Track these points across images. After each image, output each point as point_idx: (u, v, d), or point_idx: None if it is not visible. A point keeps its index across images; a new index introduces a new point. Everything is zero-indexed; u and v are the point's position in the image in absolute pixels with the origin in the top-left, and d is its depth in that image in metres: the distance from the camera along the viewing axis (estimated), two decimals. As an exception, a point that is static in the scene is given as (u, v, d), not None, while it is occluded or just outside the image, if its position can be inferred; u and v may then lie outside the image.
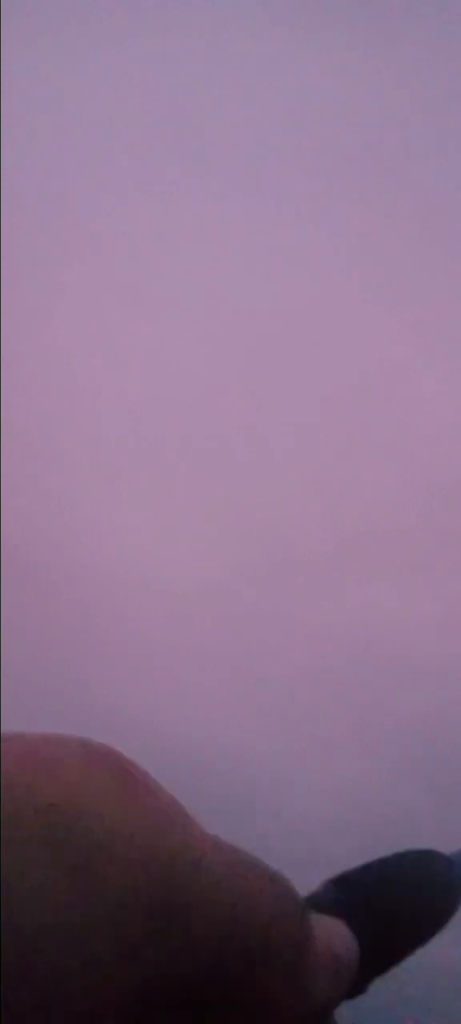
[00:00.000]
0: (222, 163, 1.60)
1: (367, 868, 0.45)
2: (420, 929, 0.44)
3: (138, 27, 1.67)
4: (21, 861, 0.31)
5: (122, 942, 0.32)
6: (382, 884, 0.42)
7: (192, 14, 1.60)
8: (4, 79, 1.57)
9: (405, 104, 1.61)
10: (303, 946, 0.36)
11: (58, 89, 1.62)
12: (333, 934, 0.39)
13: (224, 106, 1.61)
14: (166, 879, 0.33)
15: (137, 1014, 0.33)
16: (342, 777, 1.26)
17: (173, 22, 1.64)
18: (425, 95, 1.62)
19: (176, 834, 0.35)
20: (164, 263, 1.49)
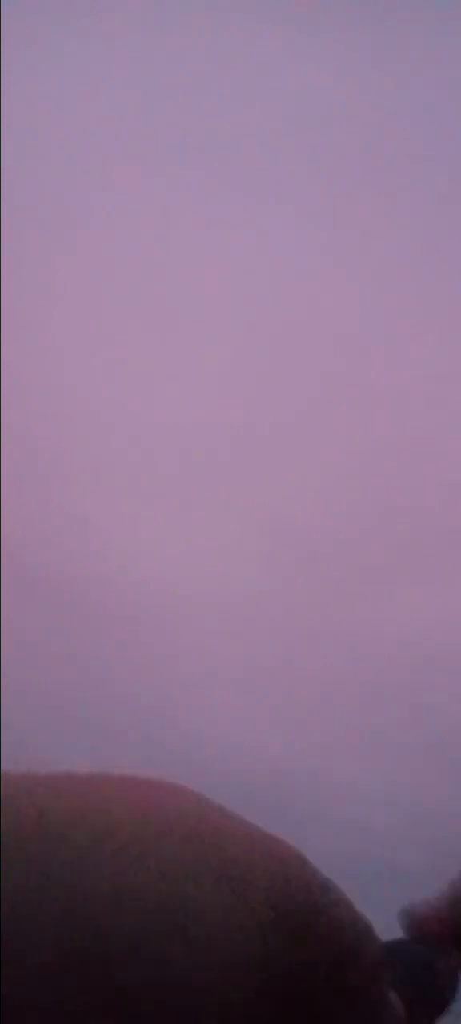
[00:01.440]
0: (223, 163, 1.59)
1: None
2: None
3: (137, 26, 1.66)
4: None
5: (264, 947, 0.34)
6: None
7: (192, 14, 1.59)
8: (4, 78, 1.56)
9: (405, 101, 1.61)
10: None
11: (58, 90, 1.61)
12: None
13: (225, 105, 1.61)
14: (305, 898, 0.35)
15: None
16: (397, 784, 1.25)
17: (173, 21, 1.64)
18: (425, 91, 1.61)
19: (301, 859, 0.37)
20: (169, 262, 1.48)
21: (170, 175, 1.69)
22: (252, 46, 1.64)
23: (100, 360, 1.62)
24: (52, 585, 1.53)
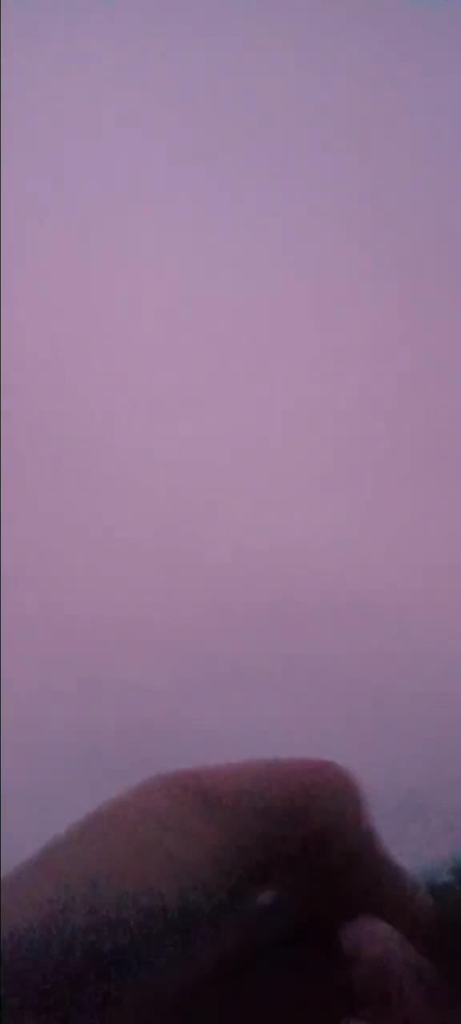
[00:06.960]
0: (223, 158, 1.59)
1: None
2: None
3: (138, 24, 1.66)
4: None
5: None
6: None
7: (191, 15, 1.59)
8: (4, 77, 1.56)
9: (405, 101, 1.60)
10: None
11: (59, 94, 1.61)
12: None
13: (222, 99, 1.60)
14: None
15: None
16: None
17: (173, 21, 1.63)
18: (425, 91, 1.61)
19: None
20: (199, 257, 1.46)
21: (172, 177, 1.69)
22: (253, 46, 1.64)
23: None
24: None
